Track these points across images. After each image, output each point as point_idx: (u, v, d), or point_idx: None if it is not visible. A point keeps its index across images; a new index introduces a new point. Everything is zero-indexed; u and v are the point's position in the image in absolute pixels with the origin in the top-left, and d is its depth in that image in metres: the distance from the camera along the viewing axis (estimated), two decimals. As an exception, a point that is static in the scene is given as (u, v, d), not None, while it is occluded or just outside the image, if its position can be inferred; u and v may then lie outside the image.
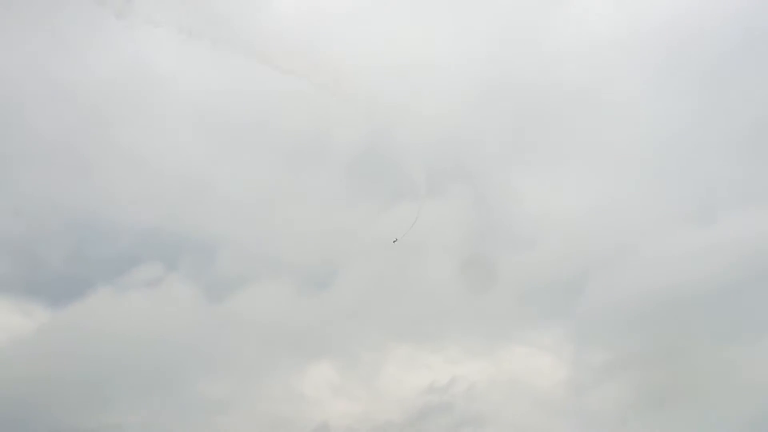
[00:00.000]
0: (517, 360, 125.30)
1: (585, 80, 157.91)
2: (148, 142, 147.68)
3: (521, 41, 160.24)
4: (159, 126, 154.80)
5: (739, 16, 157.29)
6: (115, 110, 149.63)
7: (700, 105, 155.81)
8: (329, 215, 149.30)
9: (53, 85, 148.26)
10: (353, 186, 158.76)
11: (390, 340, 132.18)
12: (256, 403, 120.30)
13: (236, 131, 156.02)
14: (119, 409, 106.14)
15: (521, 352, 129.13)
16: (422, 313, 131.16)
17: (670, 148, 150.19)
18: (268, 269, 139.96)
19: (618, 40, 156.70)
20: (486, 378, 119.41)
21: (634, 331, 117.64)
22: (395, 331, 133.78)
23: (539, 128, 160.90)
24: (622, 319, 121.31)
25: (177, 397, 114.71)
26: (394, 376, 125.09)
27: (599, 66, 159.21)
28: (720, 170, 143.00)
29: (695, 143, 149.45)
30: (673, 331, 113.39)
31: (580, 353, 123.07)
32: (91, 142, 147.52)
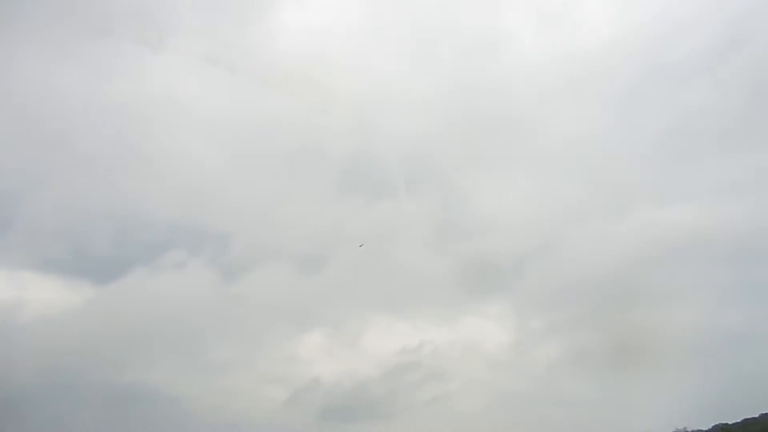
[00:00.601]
0: (472, 327, 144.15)
1: (523, 102, 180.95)
2: (174, 151, 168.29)
3: (474, 71, 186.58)
4: (184, 138, 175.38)
5: (645, 51, 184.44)
6: (148, 125, 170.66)
7: (615, 121, 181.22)
8: (322, 211, 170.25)
9: (98, 104, 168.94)
10: (342, 187, 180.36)
11: (369, 312, 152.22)
12: (258, 364, 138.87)
13: (245, 143, 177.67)
14: (149, 367, 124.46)
15: (475, 321, 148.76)
16: (396, 290, 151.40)
17: (589, 157, 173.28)
18: (272, 256, 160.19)
19: (548, 69, 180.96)
20: (447, 342, 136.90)
21: (563, 302, 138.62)
22: (374, 304, 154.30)
23: (488, 141, 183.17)
24: (554, 293, 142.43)
25: (195, 359, 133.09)
26: (373, 341, 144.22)
27: (534, 90, 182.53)
28: (630, 174, 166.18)
29: (610, 152, 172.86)
30: (593, 302, 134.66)
31: (521, 321, 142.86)
32: (129, 151, 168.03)
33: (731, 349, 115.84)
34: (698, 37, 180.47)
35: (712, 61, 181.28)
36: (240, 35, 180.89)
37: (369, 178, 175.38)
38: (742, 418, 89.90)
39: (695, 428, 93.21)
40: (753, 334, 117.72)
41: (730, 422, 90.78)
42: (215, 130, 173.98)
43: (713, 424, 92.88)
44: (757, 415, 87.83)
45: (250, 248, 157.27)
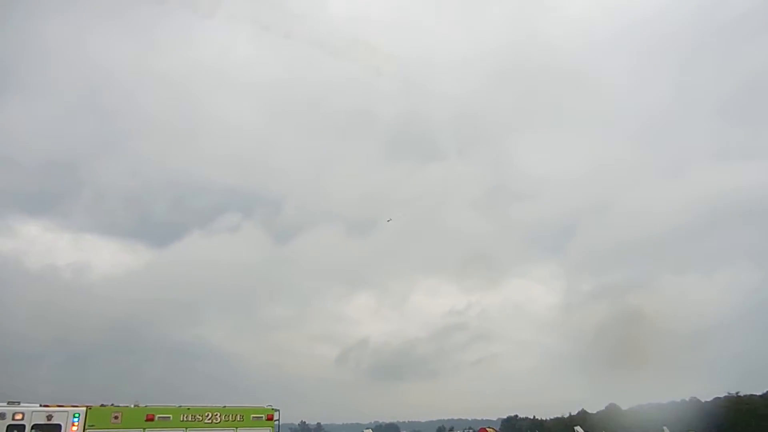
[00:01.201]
0: (520, 289, 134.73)
1: (576, 60, 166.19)
2: (228, 117, 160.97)
3: (525, 27, 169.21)
4: (237, 104, 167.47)
5: (705, 6, 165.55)
6: (202, 92, 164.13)
7: (673, 78, 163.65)
8: (372, 173, 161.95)
9: (154, 73, 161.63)
10: (392, 150, 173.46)
11: (418, 274, 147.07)
12: (309, 323, 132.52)
13: (297, 107, 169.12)
14: (206, 325, 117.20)
15: (523, 283, 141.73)
16: (444, 253, 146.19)
17: (645, 116, 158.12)
18: (322, 218, 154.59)
19: (602, 24, 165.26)
20: (494, 304, 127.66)
21: (615, 264, 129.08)
22: (422, 266, 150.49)
23: (539, 99, 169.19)
24: (606, 255, 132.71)
25: (249, 318, 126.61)
26: (421, 302, 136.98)
27: (588, 47, 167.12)
28: (688, 133, 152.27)
29: (667, 110, 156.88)
30: (647, 264, 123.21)
31: (570, 283, 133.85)
32: (185, 118, 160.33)
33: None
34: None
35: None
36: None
37: (419, 140, 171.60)
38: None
39: (748, 393, 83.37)
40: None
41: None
42: (267, 95, 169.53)
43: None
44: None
45: (301, 211, 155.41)
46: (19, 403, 19.21)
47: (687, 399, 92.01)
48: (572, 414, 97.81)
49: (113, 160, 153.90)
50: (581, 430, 55.73)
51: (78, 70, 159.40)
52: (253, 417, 23.07)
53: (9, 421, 18.38)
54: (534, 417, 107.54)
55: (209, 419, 22.03)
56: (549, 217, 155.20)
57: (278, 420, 23.66)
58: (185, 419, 21.54)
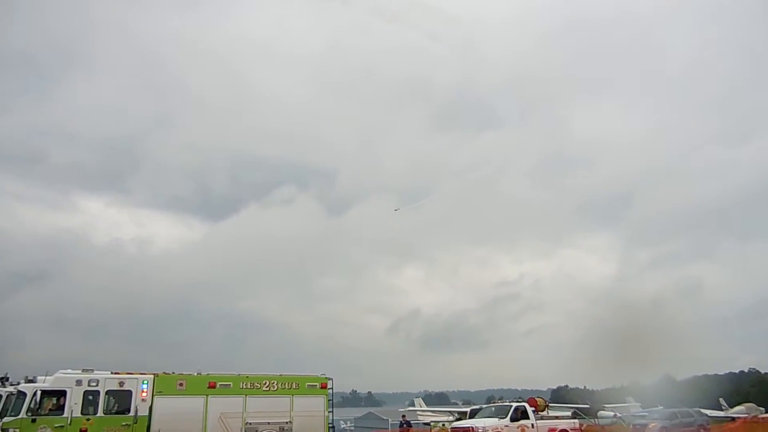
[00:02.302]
0: (574, 259, 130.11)
1: (637, 21, 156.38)
2: (281, 91, 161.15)
3: None
4: (288, 77, 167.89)
5: None
6: (254, 66, 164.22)
7: (739, 42, 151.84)
8: (425, 143, 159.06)
9: (207, 47, 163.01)
10: (446, 119, 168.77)
11: (469, 244, 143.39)
12: (361, 294, 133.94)
13: (350, 77, 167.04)
14: (260, 297, 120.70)
15: (577, 253, 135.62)
16: (497, 223, 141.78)
17: (708, 80, 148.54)
18: (375, 189, 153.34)
19: None
20: (547, 274, 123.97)
21: (674, 234, 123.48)
22: (475, 237, 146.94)
23: (598, 63, 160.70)
24: (665, 224, 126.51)
25: (302, 289, 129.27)
26: (473, 272, 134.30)
27: (649, 8, 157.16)
28: (754, 98, 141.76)
29: (731, 75, 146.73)
30: (708, 233, 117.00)
31: (627, 253, 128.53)
32: (237, 92, 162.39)
33: None
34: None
35: None
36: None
37: (473, 107, 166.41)
38: None
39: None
40: None
41: None
42: (318, 66, 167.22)
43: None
44: None
45: (354, 182, 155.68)
46: (92, 370, 20.55)
47: (746, 370, 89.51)
48: (624, 385, 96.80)
49: (169, 137, 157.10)
50: (632, 400, 55.14)
51: (130, 47, 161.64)
52: (308, 385, 24.05)
53: (85, 387, 19.76)
54: (584, 387, 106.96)
55: (266, 387, 23.11)
56: (605, 185, 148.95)
57: (332, 388, 24.58)
58: (244, 387, 22.67)
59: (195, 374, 22.46)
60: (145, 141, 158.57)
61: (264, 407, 22.61)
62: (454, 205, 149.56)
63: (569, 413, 33.64)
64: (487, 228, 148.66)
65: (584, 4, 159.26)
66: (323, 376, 24.71)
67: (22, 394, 18.94)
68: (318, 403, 23.93)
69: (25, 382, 19.52)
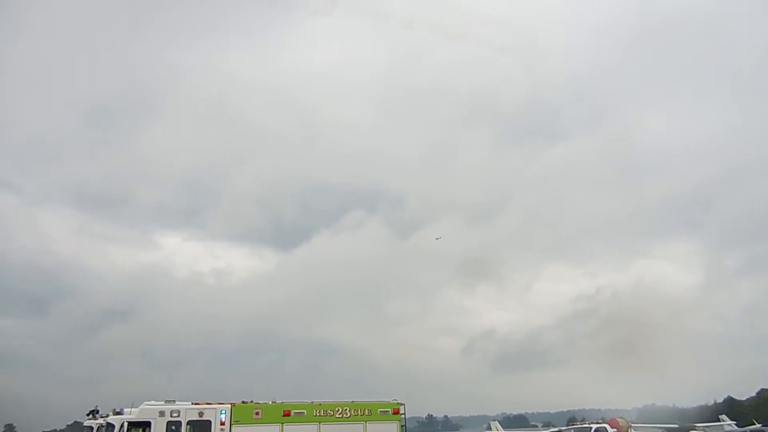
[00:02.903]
0: (653, 269, 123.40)
1: (708, 15, 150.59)
2: (343, 117, 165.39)
3: None
4: (352, 101, 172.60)
5: None
6: (320, 94, 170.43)
7: None
8: (495, 159, 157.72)
9: (272, 78, 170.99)
10: (514, 133, 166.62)
11: (542, 260, 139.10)
12: (434, 316, 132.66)
13: (414, 97, 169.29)
14: (333, 323, 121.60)
15: (656, 263, 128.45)
16: (571, 236, 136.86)
17: None
18: (444, 209, 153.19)
19: None
20: (626, 286, 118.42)
21: (763, 236, 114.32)
22: (546, 252, 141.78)
23: (668, 62, 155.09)
24: (753, 226, 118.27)
25: (373, 313, 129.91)
26: (546, 289, 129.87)
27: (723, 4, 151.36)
28: None
29: None
30: None
31: (711, 259, 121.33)
32: (300, 124, 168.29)
33: None
34: None
35: None
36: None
37: (542, 120, 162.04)
38: None
39: None
40: None
41: None
42: (383, 88, 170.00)
43: None
44: None
45: (422, 203, 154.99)
46: (174, 401, 21.50)
47: None
48: (717, 401, 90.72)
49: (241, 171, 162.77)
50: (727, 418, 51.70)
51: (201, 86, 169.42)
52: (381, 411, 24.09)
53: (168, 418, 20.65)
54: (673, 405, 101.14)
55: (339, 414, 23.33)
56: (682, 190, 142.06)
57: (404, 414, 24.50)
58: (318, 414, 22.99)
59: (270, 403, 23.01)
60: (219, 177, 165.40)
61: (338, 434, 22.85)
62: (526, 221, 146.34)
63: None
64: (561, 242, 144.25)
65: (652, 8, 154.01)
66: (395, 401, 24.69)
67: (110, 427, 20.01)
68: (391, 428, 23.91)
69: (113, 415, 20.61)
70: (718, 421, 52.00)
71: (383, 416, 24.02)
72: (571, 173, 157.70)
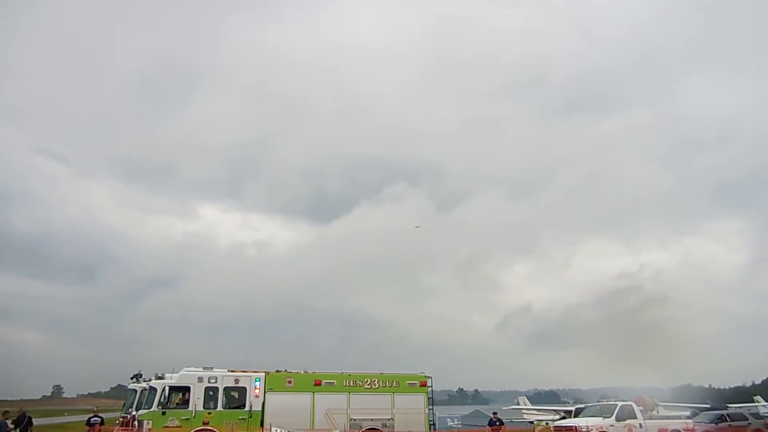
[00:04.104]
0: (700, 247, 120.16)
1: None
2: (388, 89, 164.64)
3: None
4: (396, 74, 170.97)
5: None
6: (359, 68, 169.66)
7: None
8: (540, 132, 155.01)
9: (310, 55, 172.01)
10: (563, 105, 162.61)
11: (584, 236, 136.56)
12: (468, 290, 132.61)
13: (459, 68, 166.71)
14: (369, 295, 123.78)
15: (703, 241, 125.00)
16: (613, 212, 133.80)
17: None
18: (486, 183, 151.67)
19: None
20: (670, 265, 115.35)
21: None
22: (589, 228, 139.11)
23: (725, 32, 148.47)
24: None
25: (410, 286, 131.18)
26: (586, 266, 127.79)
27: None
28: None
29: None
30: None
31: (762, 238, 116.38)
32: (344, 97, 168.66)
33: None
34: None
35: None
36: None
37: (593, 91, 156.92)
38: None
39: None
40: None
41: None
42: (427, 59, 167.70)
43: None
44: None
45: (464, 177, 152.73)
46: (212, 368, 22.63)
47: None
48: (756, 383, 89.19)
49: (281, 143, 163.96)
50: (761, 399, 50.98)
51: (244, 60, 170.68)
52: (408, 383, 24.83)
53: (206, 384, 21.80)
54: (710, 386, 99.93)
55: (368, 384, 24.16)
56: (737, 167, 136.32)
57: (431, 386, 25.20)
58: (347, 384, 23.86)
59: (302, 372, 23.96)
60: (260, 150, 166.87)
61: (367, 404, 23.67)
62: (570, 195, 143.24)
63: (687, 413, 31.89)
64: (604, 218, 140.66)
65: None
66: (422, 374, 25.38)
67: (153, 390, 21.26)
68: (418, 400, 24.63)
69: (155, 379, 21.87)
70: (753, 402, 51.27)
71: (410, 388, 24.76)
72: (620, 147, 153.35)
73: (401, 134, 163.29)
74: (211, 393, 21.77)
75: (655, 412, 27.00)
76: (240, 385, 22.36)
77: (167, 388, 21.20)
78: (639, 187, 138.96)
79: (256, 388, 22.45)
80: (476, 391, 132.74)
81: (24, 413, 23.37)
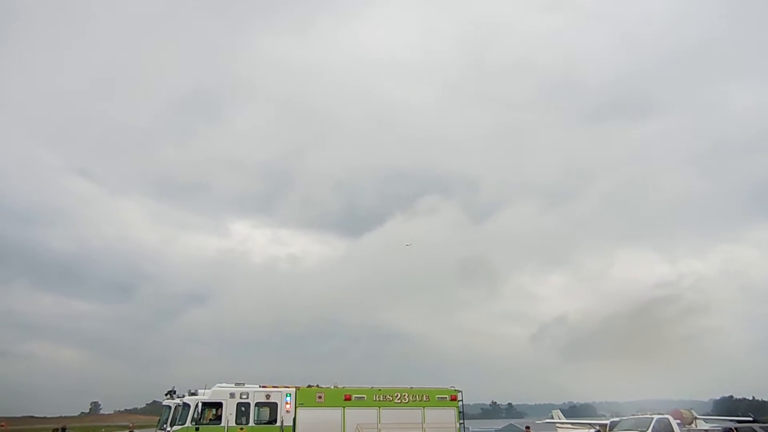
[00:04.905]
0: (741, 255, 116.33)
1: None
2: (418, 100, 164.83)
3: None
4: (426, 85, 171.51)
5: None
6: (385, 80, 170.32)
7: None
8: (574, 139, 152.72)
9: (333, 68, 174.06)
10: (598, 111, 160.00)
11: (620, 245, 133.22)
12: (501, 301, 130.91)
13: (493, 74, 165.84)
14: (401, 308, 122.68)
15: (743, 249, 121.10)
16: (650, 220, 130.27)
17: None
18: (519, 193, 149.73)
19: None
20: (711, 273, 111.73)
21: None
22: (625, 237, 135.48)
23: (760, 40, 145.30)
24: None
25: (442, 299, 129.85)
26: (622, 275, 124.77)
27: None
28: None
29: None
30: None
31: None
32: (374, 109, 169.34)
33: None
34: None
35: None
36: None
37: (628, 96, 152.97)
38: None
39: None
40: None
41: None
42: (457, 69, 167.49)
43: None
44: None
45: (498, 187, 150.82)
46: (243, 384, 22.95)
47: None
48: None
49: (314, 158, 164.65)
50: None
51: (279, 75, 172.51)
52: (438, 397, 24.76)
53: (238, 400, 22.11)
54: (753, 398, 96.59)
55: (398, 399, 24.17)
56: None
57: (461, 400, 25.05)
58: (377, 399, 23.91)
59: (332, 387, 24.10)
60: (292, 164, 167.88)
61: (397, 419, 23.68)
62: (605, 204, 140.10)
63: (726, 426, 30.96)
64: (641, 226, 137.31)
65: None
66: (452, 388, 25.27)
67: (186, 406, 21.64)
68: (449, 414, 24.53)
69: (189, 395, 22.25)
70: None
71: (441, 402, 24.67)
72: (656, 153, 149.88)
73: (434, 145, 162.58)
74: (242, 409, 22.04)
75: (693, 426, 26.33)
76: (271, 400, 22.60)
77: (200, 404, 21.56)
78: (675, 194, 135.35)
79: (287, 403, 22.67)
80: (510, 404, 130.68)
81: (64, 429, 24.07)
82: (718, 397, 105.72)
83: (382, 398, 23.99)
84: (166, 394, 23.86)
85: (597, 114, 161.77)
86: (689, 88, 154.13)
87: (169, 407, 22.96)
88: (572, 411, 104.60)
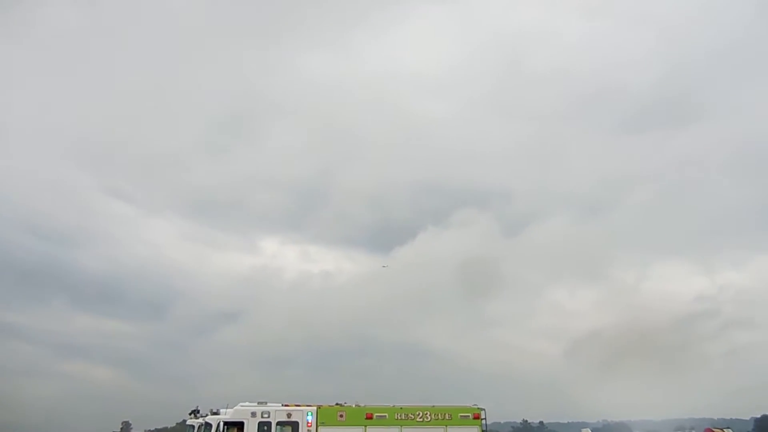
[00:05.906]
0: None
1: None
2: (448, 113, 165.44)
3: None
4: (460, 98, 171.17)
5: None
6: (416, 96, 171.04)
7: None
8: (613, 149, 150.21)
9: (358, 83, 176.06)
10: (639, 118, 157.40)
11: (657, 258, 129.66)
12: (533, 317, 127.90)
13: (528, 82, 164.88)
14: (431, 324, 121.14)
15: None
16: (689, 231, 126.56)
17: None
18: (555, 205, 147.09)
19: None
20: (754, 285, 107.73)
21: None
22: (662, 248, 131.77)
23: None
24: None
25: (473, 314, 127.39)
26: (659, 289, 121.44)
27: None
28: None
29: None
30: None
31: None
32: (405, 124, 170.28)
33: None
34: None
35: None
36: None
37: (671, 102, 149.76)
38: None
39: None
40: None
41: None
42: (490, 79, 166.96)
43: None
44: None
45: (531, 199, 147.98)
46: (266, 402, 23.04)
47: None
48: None
49: (344, 175, 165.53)
50: None
51: (313, 92, 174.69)
52: (461, 416, 24.42)
53: (259, 419, 22.18)
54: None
55: (420, 417, 23.92)
56: None
57: (485, 418, 24.67)
58: (399, 418, 23.71)
59: (354, 406, 24.01)
60: (322, 182, 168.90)
61: (419, 437, 23.45)
62: (644, 214, 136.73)
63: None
64: (680, 237, 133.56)
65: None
66: (475, 406, 24.92)
67: (208, 426, 21.79)
68: (472, 433, 24.18)
69: (211, 415, 22.40)
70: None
71: (463, 421, 24.34)
72: (694, 162, 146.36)
73: (467, 157, 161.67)
74: (264, 428, 22.11)
75: (727, 445, 25.43)
76: (292, 419, 22.62)
77: (221, 424, 21.68)
78: (715, 205, 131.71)
79: (308, 422, 22.65)
80: (541, 422, 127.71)
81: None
82: (759, 415, 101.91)
83: (404, 417, 23.79)
84: (190, 414, 24.06)
85: (638, 121, 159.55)
86: (727, 97, 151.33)
87: (193, 427, 23.14)
88: (606, 429, 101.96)
